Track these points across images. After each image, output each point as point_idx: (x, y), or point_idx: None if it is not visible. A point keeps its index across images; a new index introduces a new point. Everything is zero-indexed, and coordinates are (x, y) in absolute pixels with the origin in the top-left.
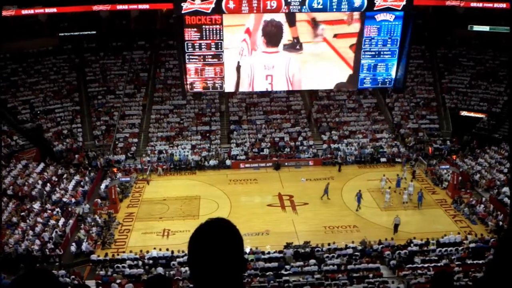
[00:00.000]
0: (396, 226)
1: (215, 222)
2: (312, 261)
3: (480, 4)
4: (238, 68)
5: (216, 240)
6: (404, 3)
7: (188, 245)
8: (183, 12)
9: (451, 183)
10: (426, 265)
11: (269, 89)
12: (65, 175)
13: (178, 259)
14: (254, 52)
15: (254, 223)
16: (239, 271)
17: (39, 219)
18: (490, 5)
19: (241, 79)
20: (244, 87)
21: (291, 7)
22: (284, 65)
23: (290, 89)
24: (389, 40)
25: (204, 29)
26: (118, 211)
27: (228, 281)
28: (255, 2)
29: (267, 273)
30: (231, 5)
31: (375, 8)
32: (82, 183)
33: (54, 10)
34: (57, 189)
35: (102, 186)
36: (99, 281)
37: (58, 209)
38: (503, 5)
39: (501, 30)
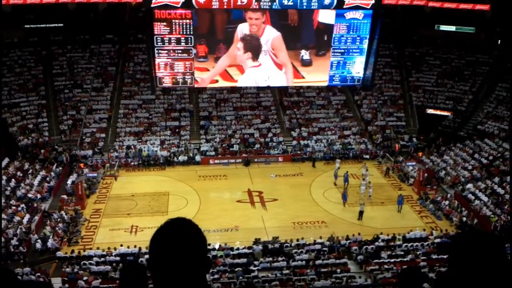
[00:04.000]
0: (361, 213)
1: (176, 222)
2: (281, 257)
3: (446, 5)
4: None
5: (178, 240)
6: (373, 1)
7: (149, 246)
8: (152, 5)
9: (417, 180)
10: (392, 260)
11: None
12: (30, 171)
13: (146, 256)
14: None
15: (223, 219)
16: (202, 271)
17: (3, 216)
18: (454, 6)
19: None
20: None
21: (261, 3)
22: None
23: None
24: (358, 38)
25: (173, 23)
26: (85, 207)
27: (191, 281)
28: None
29: (236, 269)
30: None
31: (344, 6)
32: (48, 178)
33: (19, 1)
34: (22, 184)
35: (69, 182)
36: (65, 278)
37: (23, 205)
38: (469, 6)
39: (467, 30)
